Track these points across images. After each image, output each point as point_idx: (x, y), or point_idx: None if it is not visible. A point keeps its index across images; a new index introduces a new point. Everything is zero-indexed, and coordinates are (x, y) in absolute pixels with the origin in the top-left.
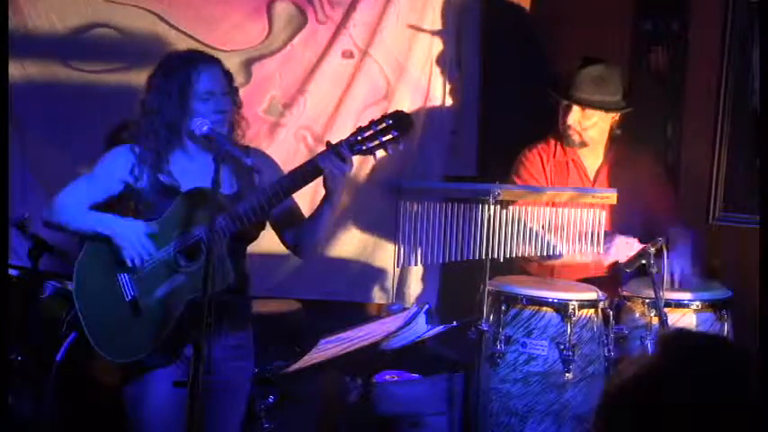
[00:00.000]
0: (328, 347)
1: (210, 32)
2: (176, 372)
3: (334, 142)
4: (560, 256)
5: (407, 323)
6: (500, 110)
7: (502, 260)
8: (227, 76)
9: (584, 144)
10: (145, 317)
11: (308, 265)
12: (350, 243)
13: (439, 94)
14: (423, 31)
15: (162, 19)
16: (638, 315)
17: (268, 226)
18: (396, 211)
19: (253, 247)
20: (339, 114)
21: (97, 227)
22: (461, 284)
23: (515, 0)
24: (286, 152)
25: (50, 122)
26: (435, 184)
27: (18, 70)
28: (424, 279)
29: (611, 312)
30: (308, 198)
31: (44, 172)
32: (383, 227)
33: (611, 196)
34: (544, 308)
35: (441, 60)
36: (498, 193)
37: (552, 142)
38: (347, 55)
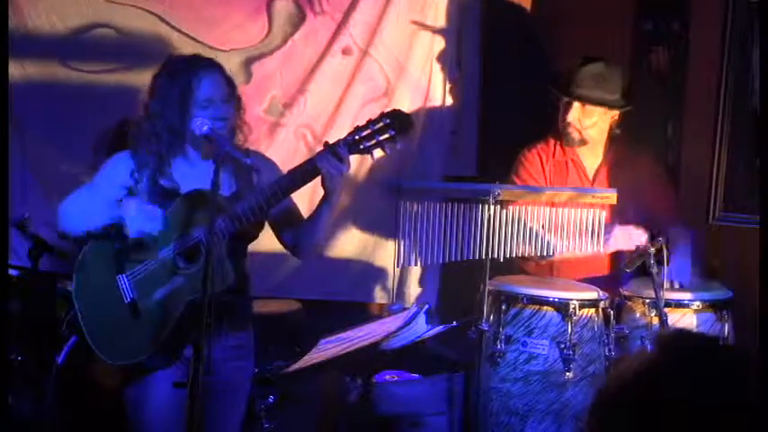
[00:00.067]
0: (328, 347)
1: (211, 32)
2: (176, 373)
3: (331, 142)
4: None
5: (407, 323)
6: (500, 110)
7: (502, 260)
8: (229, 82)
9: (583, 142)
10: (144, 319)
11: (308, 265)
12: (350, 243)
13: (439, 93)
14: (424, 27)
15: (162, 19)
16: (638, 315)
17: (267, 226)
18: (396, 211)
19: (253, 247)
20: (339, 114)
21: (110, 211)
22: (461, 284)
23: (516, 0)
24: (286, 152)
25: (50, 122)
26: (435, 184)
27: (18, 70)
28: (424, 279)
29: (611, 312)
30: (306, 198)
31: (44, 172)
32: (383, 227)
33: (611, 196)
34: (545, 307)
35: (441, 60)
36: (498, 193)
37: (552, 142)
38: (346, 52)
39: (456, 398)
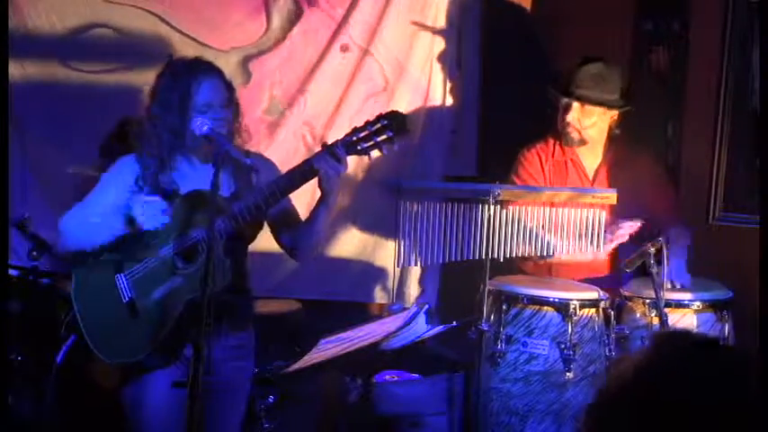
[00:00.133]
0: (328, 347)
1: (211, 32)
2: (176, 372)
3: (329, 143)
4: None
5: (407, 323)
6: (500, 110)
7: (502, 260)
8: (228, 87)
9: (583, 142)
10: (142, 318)
11: (308, 265)
12: (350, 243)
13: (439, 93)
14: (424, 28)
15: (162, 19)
16: (638, 315)
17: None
18: (396, 211)
19: (253, 247)
20: (339, 114)
21: (118, 213)
22: (461, 284)
23: (516, 0)
24: (286, 152)
25: (50, 122)
26: (435, 184)
27: (18, 70)
28: (424, 279)
29: (612, 312)
30: (306, 200)
31: (44, 172)
32: (383, 227)
33: (611, 196)
34: (545, 307)
35: (441, 60)
36: (498, 193)
37: (551, 142)
38: (345, 49)
39: (456, 398)
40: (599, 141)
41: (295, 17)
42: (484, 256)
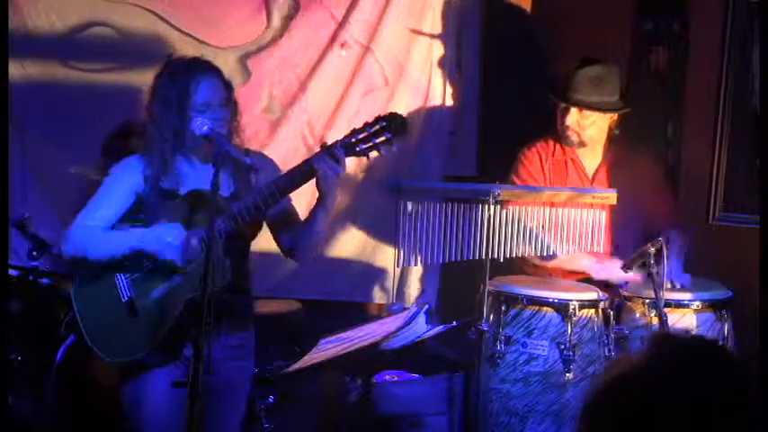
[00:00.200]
0: (328, 347)
1: (210, 30)
2: (176, 372)
3: (329, 144)
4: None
5: (407, 323)
6: (500, 110)
7: (502, 260)
8: (227, 86)
9: (582, 144)
10: (141, 317)
11: (307, 265)
12: (350, 243)
13: (439, 93)
14: (422, 34)
15: (162, 18)
16: (638, 315)
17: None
18: (395, 211)
19: (253, 247)
20: (339, 113)
21: (129, 243)
22: (461, 284)
23: (516, 1)
24: (286, 151)
25: (50, 122)
26: (435, 184)
27: (18, 70)
28: (424, 279)
29: (611, 312)
30: (306, 200)
31: (44, 172)
32: (383, 227)
33: (611, 196)
34: (544, 308)
35: (441, 61)
36: (498, 193)
37: (551, 142)
38: (345, 45)
39: (456, 398)
40: (599, 141)
41: (295, 15)
42: (484, 257)
